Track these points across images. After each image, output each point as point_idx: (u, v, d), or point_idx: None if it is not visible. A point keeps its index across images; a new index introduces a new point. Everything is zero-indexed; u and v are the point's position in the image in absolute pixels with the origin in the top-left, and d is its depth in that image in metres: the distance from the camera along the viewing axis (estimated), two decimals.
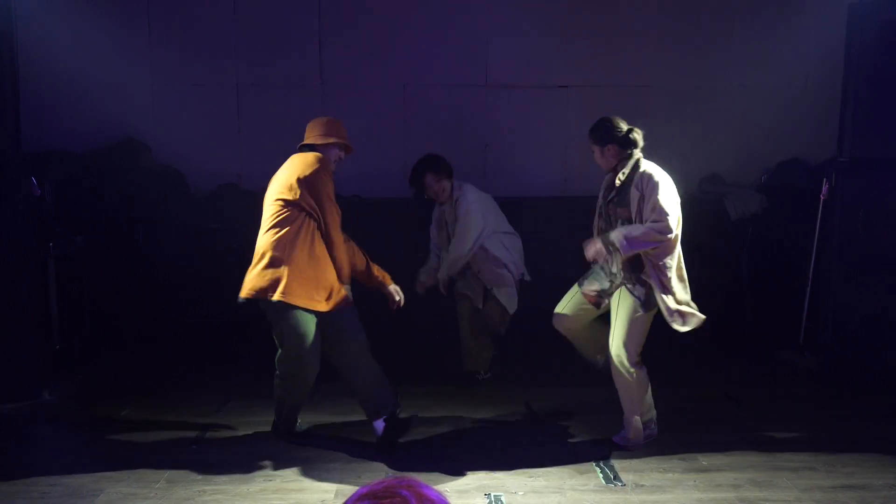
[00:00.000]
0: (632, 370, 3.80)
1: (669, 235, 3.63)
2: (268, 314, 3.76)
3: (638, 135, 3.83)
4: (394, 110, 5.79)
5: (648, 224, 3.65)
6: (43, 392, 4.55)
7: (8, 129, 4.64)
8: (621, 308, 3.80)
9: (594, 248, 3.78)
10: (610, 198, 3.84)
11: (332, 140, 3.89)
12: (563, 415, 4.38)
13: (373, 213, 5.68)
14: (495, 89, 5.91)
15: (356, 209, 5.40)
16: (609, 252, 3.76)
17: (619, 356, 3.79)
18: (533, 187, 5.79)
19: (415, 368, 5.15)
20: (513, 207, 5.70)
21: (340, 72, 5.86)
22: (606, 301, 3.89)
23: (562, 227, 5.80)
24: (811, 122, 5.84)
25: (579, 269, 5.76)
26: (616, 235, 3.69)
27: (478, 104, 5.88)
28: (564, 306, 4.04)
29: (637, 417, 3.88)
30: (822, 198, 5.05)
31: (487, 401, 4.56)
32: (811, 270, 5.16)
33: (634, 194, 3.73)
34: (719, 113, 5.82)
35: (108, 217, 5.43)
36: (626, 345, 3.77)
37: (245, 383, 4.82)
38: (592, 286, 3.92)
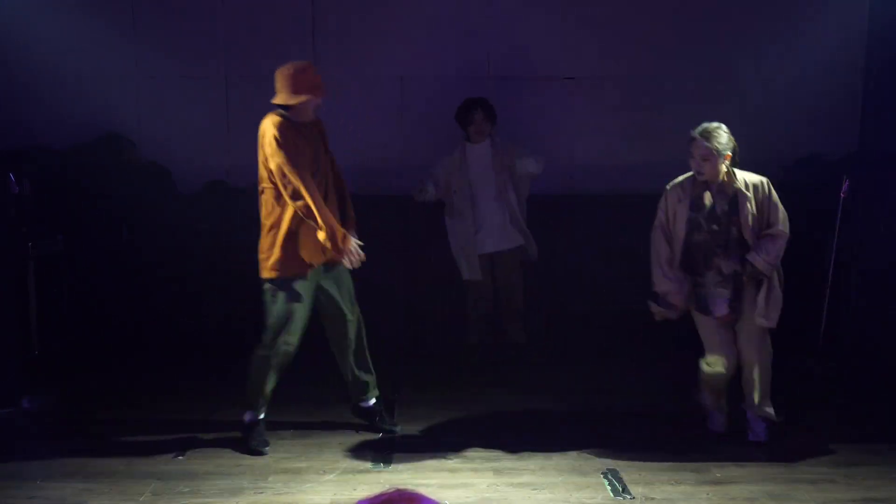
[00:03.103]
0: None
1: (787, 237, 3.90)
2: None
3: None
4: (390, 104, 5.79)
5: (775, 233, 3.87)
6: (21, 400, 4.54)
7: None
8: (750, 311, 3.91)
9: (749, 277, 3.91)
10: (722, 210, 3.90)
11: (303, 98, 3.81)
12: (568, 424, 4.37)
13: (369, 209, 5.67)
14: (497, 81, 5.90)
15: (353, 205, 5.39)
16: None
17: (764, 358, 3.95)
18: (537, 184, 5.78)
19: (415, 374, 5.15)
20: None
21: (334, 63, 5.84)
22: (739, 309, 3.97)
23: (568, 226, 5.81)
24: (831, 116, 5.84)
25: (585, 271, 5.81)
26: (762, 264, 3.85)
27: (478, 97, 5.86)
28: (720, 346, 3.99)
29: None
30: (842, 195, 5.04)
31: (491, 410, 4.56)
32: (830, 270, 5.15)
33: (744, 200, 3.86)
34: (734, 106, 5.79)
35: (90, 216, 5.43)
36: None
37: (235, 391, 4.80)
38: (719, 304, 3.94)
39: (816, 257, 5.38)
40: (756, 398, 4.02)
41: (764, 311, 3.90)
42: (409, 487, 1.30)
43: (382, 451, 3.97)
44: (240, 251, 5.38)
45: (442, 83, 5.83)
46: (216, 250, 5.42)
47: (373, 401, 4.19)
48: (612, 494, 3.54)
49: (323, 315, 4.06)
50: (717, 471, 3.76)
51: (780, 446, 4.03)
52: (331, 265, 3.96)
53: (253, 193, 4.05)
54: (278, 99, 3.85)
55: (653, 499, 3.49)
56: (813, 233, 5.45)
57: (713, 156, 3.83)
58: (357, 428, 4.24)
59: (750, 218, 3.87)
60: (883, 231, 5.12)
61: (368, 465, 3.83)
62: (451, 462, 3.86)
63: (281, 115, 3.87)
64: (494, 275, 5.44)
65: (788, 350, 5.40)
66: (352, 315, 4.07)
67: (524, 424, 4.39)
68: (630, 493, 3.53)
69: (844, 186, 5.01)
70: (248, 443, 3.96)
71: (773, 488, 3.58)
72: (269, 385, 3.99)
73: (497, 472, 3.75)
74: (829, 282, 5.16)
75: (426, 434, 4.20)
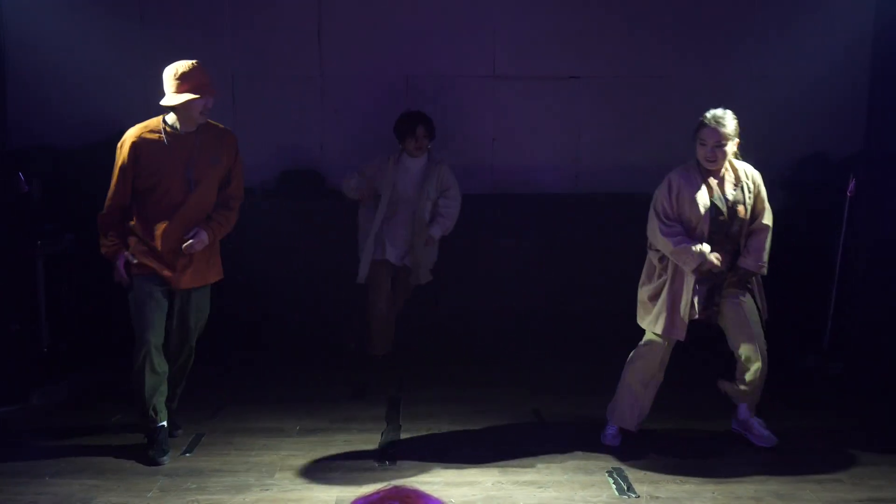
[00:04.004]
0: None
1: None
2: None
3: None
4: (396, 102, 5.77)
5: (758, 228, 3.84)
6: (31, 397, 4.56)
7: None
8: (741, 302, 3.88)
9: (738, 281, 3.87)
10: (734, 200, 3.83)
11: (186, 97, 3.68)
12: (573, 423, 4.36)
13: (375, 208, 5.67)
14: (503, 80, 5.90)
15: (356, 204, 5.40)
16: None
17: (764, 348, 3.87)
18: (543, 183, 5.77)
19: (419, 372, 5.15)
20: (521, 204, 5.69)
21: (340, 62, 5.85)
22: (714, 311, 3.92)
23: (574, 226, 5.80)
24: (837, 114, 5.80)
25: (590, 270, 5.79)
26: (754, 266, 3.83)
27: (485, 96, 5.86)
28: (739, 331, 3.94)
29: None
30: (848, 194, 5.01)
31: (495, 408, 4.54)
32: (837, 270, 5.12)
33: (748, 190, 3.84)
34: (739, 105, 5.76)
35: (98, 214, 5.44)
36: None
37: (240, 388, 4.83)
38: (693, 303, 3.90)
39: (822, 256, 5.35)
40: (748, 406, 4.01)
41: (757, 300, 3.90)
42: (410, 485, 1.29)
43: (387, 450, 3.97)
44: (243, 249, 5.41)
45: (448, 82, 5.83)
46: (221, 247, 5.42)
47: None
48: (616, 493, 3.52)
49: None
50: (723, 469, 3.74)
51: (786, 446, 4.01)
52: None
53: (255, 192, 4.05)
54: (163, 100, 3.76)
55: (658, 497, 3.48)
56: (819, 232, 5.42)
57: (726, 142, 3.77)
58: (362, 427, 4.24)
59: (748, 209, 3.84)
60: (889, 230, 5.09)
61: (373, 463, 3.83)
62: (456, 460, 3.85)
63: (158, 121, 3.82)
64: (394, 286, 5.32)
65: (794, 349, 5.40)
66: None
67: (528, 423, 4.38)
68: (635, 492, 3.52)
69: (851, 185, 4.98)
70: None
71: (779, 487, 3.56)
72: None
73: (502, 470, 3.75)
74: (836, 281, 5.13)
75: (431, 432, 4.19)
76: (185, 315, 3.91)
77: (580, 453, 3.93)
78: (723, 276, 3.86)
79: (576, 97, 5.94)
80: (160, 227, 3.77)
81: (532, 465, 3.79)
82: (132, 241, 3.82)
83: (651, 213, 3.89)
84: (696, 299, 3.85)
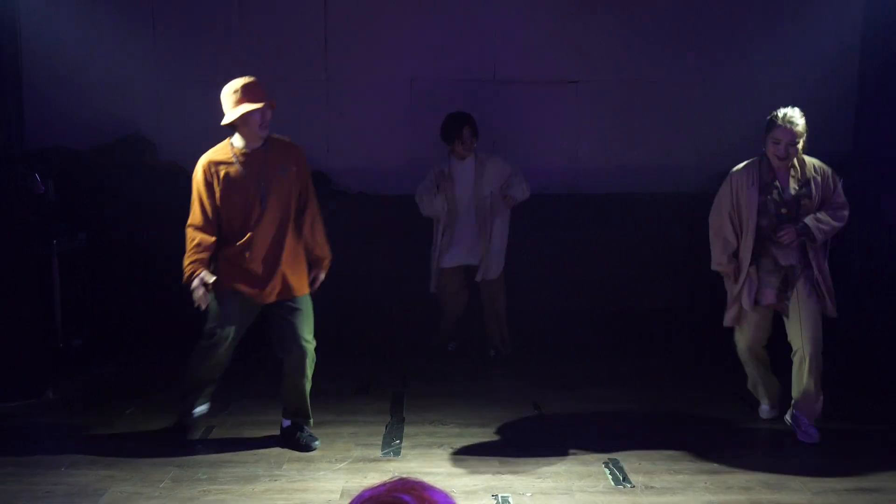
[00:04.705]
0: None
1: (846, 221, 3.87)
2: None
3: None
4: (400, 105, 5.80)
5: (833, 213, 3.84)
6: (47, 391, 4.60)
7: (11, 125, 4.70)
8: (808, 301, 3.87)
9: (790, 234, 3.83)
10: (795, 193, 3.87)
11: (244, 109, 3.64)
12: (571, 415, 4.40)
13: (379, 209, 5.70)
14: (504, 84, 5.92)
15: (362, 205, 5.44)
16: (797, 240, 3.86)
17: (819, 349, 3.89)
18: (543, 185, 5.79)
19: (423, 367, 5.18)
20: (522, 204, 5.71)
21: (346, 66, 5.88)
22: (787, 302, 3.93)
23: (573, 226, 5.82)
24: (826, 117, 5.81)
25: (590, 270, 5.81)
26: (813, 223, 3.81)
27: (486, 100, 5.88)
28: (749, 329, 4.01)
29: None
30: None
31: (495, 401, 4.58)
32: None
33: (815, 184, 3.85)
34: (732, 109, 5.82)
35: (111, 214, 5.48)
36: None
37: (250, 382, 4.86)
38: (767, 291, 3.92)
39: None
40: (812, 390, 3.95)
41: (827, 302, 3.90)
42: (415, 476, 1.31)
43: (392, 442, 4.00)
44: None
45: (451, 86, 5.85)
46: None
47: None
48: (613, 483, 3.56)
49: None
50: (715, 461, 3.77)
51: (776, 438, 4.04)
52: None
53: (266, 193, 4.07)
54: (223, 121, 3.75)
55: (652, 487, 3.51)
56: None
57: (798, 140, 3.83)
58: (367, 420, 4.28)
59: (816, 201, 3.87)
60: (876, 229, 5.11)
61: (378, 454, 3.86)
62: (458, 451, 3.89)
63: (226, 144, 3.81)
64: (480, 296, 5.31)
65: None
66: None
67: (529, 416, 4.41)
68: (630, 482, 3.55)
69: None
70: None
71: (769, 477, 3.59)
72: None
73: (502, 461, 3.78)
74: None
75: (434, 424, 4.22)
76: (282, 319, 3.84)
77: (578, 445, 3.96)
78: (794, 269, 3.90)
79: (575, 100, 5.97)
80: (241, 246, 3.76)
81: (531, 456, 3.82)
82: (221, 264, 3.81)
83: (712, 215, 4.04)
84: (768, 289, 3.91)
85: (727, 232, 3.99)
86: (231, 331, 3.84)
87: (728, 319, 4.06)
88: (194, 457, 3.81)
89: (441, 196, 5.12)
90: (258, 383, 4.78)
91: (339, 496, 3.40)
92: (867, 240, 5.14)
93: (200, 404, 4.03)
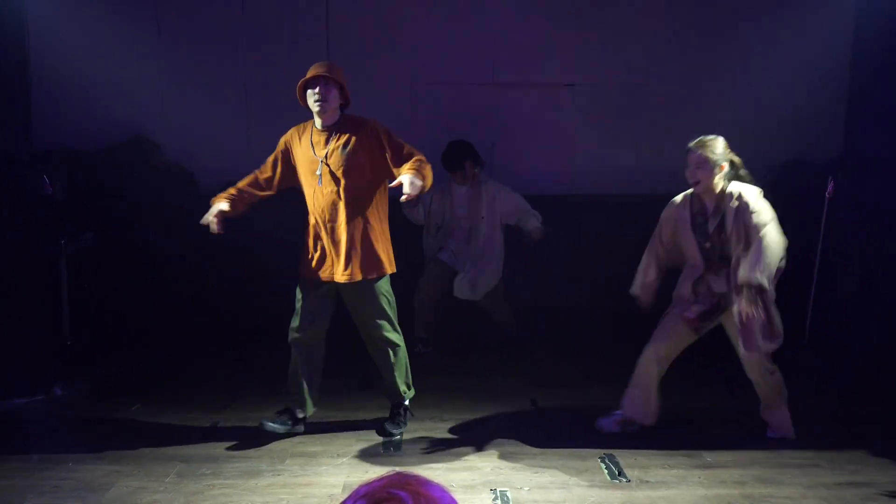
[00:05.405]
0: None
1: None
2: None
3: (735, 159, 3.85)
4: (402, 109, 5.80)
5: (758, 239, 3.66)
6: (54, 388, 4.59)
7: (19, 127, 4.70)
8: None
9: (749, 309, 3.61)
10: (714, 226, 3.79)
11: (300, 83, 3.78)
12: (568, 411, 4.40)
13: None
14: (502, 88, 5.92)
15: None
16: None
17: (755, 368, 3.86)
18: (540, 186, 5.79)
19: (423, 364, 5.17)
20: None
21: (348, 70, 5.80)
22: (708, 325, 3.88)
23: (569, 226, 5.82)
24: (817, 120, 5.83)
25: (585, 269, 5.81)
26: (743, 276, 3.62)
27: (485, 103, 5.88)
28: (662, 335, 3.96)
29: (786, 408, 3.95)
30: (827, 196, 5.04)
31: (493, 397, 4.58)
32: (816, 269, 5.15)
33: (732, 217, 3.73)
34: (724, 111, 5.81)
35: (118, 215, 5.47)
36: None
37: (254, 379, 4.86)
38: (695, 307, 3.87)
39: (803, 256, 5.36)
40: (762, 407, 4.02)
41: (760, 340, 3.70)
42: (415, 470, 1.30)
43: (393, 437, 3.99)
44: (258, 249, 5.43)
45: (451, 89, 5.85)
46: (236, 248, 5.45)
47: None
48: (608, 477, 3.55)
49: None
50: (709, 456, 3.77)
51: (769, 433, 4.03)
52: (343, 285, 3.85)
53: (272, 194, 4.07)
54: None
55: (647, 482, 3.50)
56: (799, 232, 5.44)
57: (706, 164, 3.74)
58: (369, 416, 4.27)
59: (740, 233, 3.73)
60: (866, 230, 5.11)
61: (380, 449, 3.86)
62: (457, 446, 3.89)
63: (309, 122, 3.92)
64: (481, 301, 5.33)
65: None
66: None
67: (526, 412, 4.41)
68: (626, 477, 3.55)
69: (830, 188, 5.01)
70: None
71: (761, 472, 3.59)
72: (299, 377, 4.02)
73: (501, 455, 3.78)
74: (815, 280, 5.16)
75: (434, 420, 4.22)
76: (352, 307, 3.89)
77: (574, 440, 3.96)
78: (724, 298, 3.81)
79: (571, 103, 5.97)
80: (311, 225, 3.83)
81: (529, 452, 3.82)
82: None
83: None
84: (696, 306, 3.85)
85: (647, 257, 3.97)
86: (309, 320, 3.87)
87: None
88: (199, 452, 3.80)
89: (420, 206, 5.17)
90: (260, 381, 4.77)
91: (340, 490, 3.40)
92: (861, 248, 5.13)
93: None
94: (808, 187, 5.44)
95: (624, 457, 3.75)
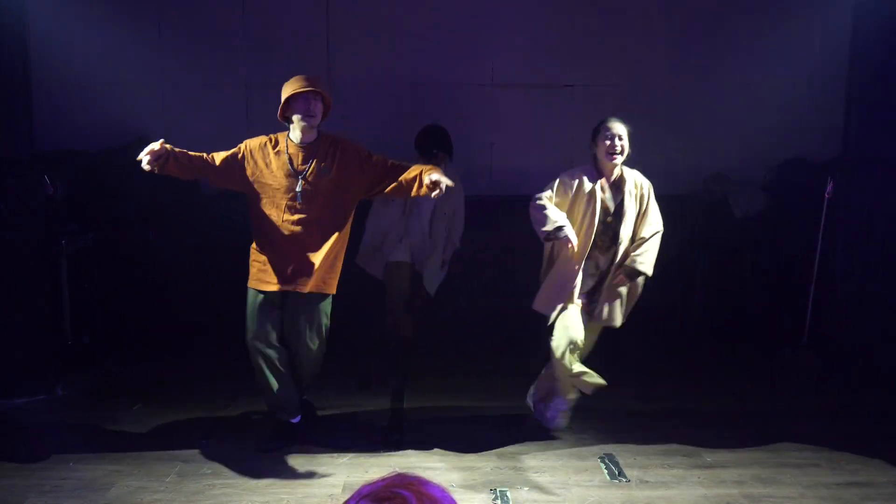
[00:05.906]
0: None
1: None
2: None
3: None
4: (402, 109, 5.77)
5: (654, 232, 3.80)
6: (56, 387, 4.58)
7: (21, 128, 4.68)
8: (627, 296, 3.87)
9: (636, 290, 3.86)
10: (615, 203, 3.81)
11: (285, 95, 3.67)
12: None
13: None
14: (502, 88, 5.90)
15: (363, 206, 5.38)
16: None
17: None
18: (538, 187, 5.75)
19: (423, 364, 5.15)
20: (518, 207, 5.68)
21: (348, 71, 5.85)
22: (595, 305, 3.89)
23: None
24: (816, 120, 5.81)
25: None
26: (646, 267, 3.78)
27: (483, 104, 5.86)
28: (577, 327, 3.88)
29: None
30: (826, 196, 5.02)
31: (493, 397, 4.56)
32: (815, 269, 5.13)
33: (634, 199, 3.79)
34: (724, 111, 5.79)
35: (119, 215, 5.45)
36: None
37: (254, 379, 4.83)
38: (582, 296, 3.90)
39: (802, 255, 5.36)
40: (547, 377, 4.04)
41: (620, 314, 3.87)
42: (415, 470, 1.29)
43: (392, 437, 3.97)
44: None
45: (450, 90, 5.84)
46: (236, 248, 5.43)
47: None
48: (608, 477, 3.53)
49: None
50: (708, 456, 3.76)
51: (768, 433, 4.01)
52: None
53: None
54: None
55: (647, 482, 3.49)
56: (799, 231, 5.43)
57: (626, 138, 3.76)
58: (368, 416, 4.25)
59: (633, 215, 3.82)
60: (865, 230, 5.09)
61: (379, 449, 3.84)
62: (457, 447, 3.87)
63: (285, 133, 3.81)
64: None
65: (776, 343, 5.41)
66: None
67: (526, 412, 4.38)
68: (625, 477, 3.53)
69: (829, 187, 4.99)
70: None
71: (761, 472, 3.57)
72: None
73: (500, 455, 3.76)
74: (815, 278, 5.14)
75: (434, 421, 4.20)
76: (297, 318, 3.77)
77: (574, 440, 3.95)
78: (607, 273, 3.85)
79: (570, 104, 5.95)
80: (273, 238, 3.69)
81: (528, 452, 3.81)
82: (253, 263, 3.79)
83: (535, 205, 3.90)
84: (580, 290, 3.83)
85: (547, 204, 3.83)
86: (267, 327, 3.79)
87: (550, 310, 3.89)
88: (199, 452, 3.79)
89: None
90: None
91: (340, 490, 3.38)
92: (860, 248, 5.11)
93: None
94: (807, 187, 5.42)
95: (624, 457, 3.74)
